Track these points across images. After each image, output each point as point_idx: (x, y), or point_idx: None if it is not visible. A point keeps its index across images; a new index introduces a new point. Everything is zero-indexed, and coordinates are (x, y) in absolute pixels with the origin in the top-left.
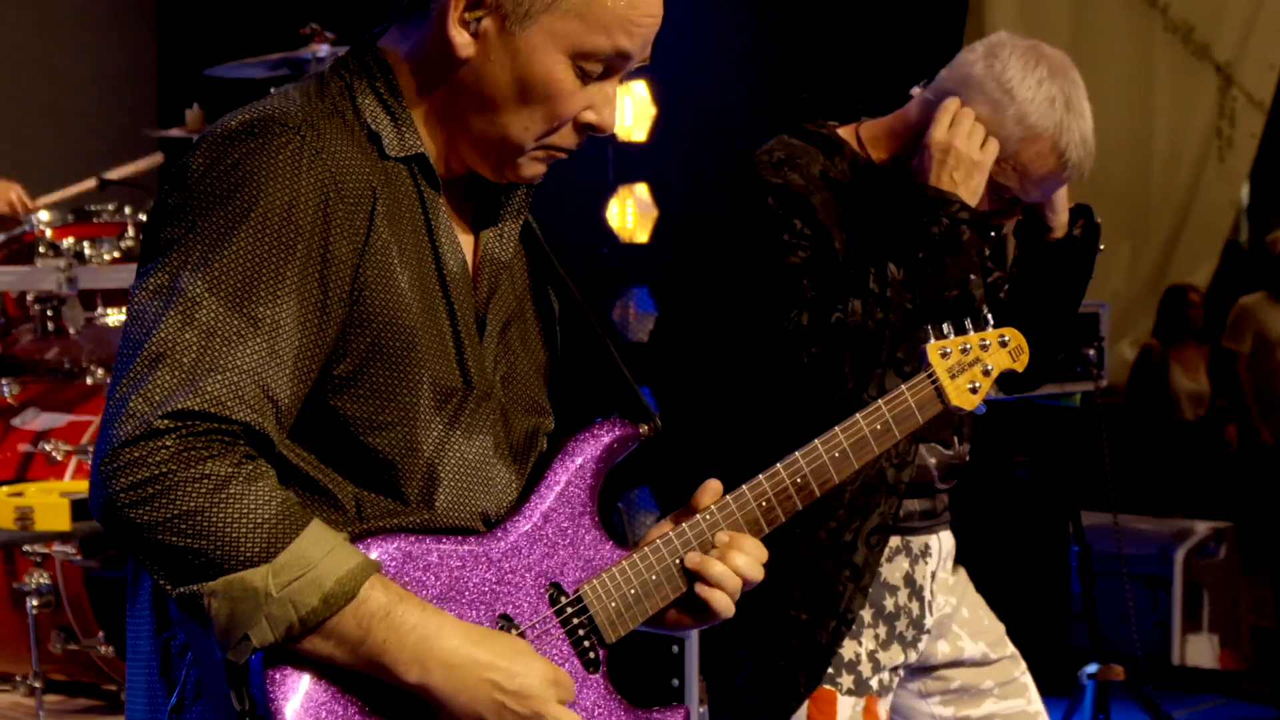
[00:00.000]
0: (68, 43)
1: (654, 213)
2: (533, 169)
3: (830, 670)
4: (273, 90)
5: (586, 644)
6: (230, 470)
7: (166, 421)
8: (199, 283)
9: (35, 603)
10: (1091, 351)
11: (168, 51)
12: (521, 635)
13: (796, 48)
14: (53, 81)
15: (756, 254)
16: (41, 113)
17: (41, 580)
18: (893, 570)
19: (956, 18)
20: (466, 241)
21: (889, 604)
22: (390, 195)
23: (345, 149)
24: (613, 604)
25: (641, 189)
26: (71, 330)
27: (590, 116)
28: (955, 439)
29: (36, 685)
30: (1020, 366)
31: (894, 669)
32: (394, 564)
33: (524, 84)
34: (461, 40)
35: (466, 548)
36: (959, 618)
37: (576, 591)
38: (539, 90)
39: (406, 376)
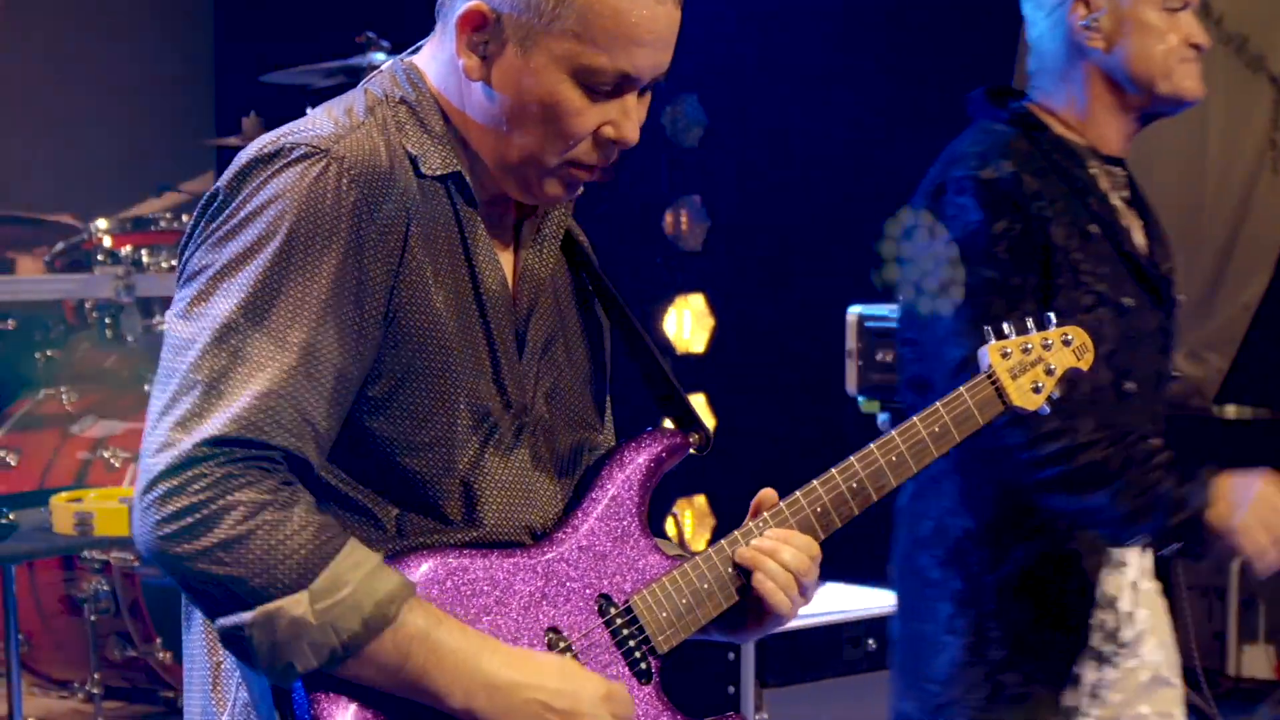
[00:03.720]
0: (123, 51)
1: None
2: (557, 189)
3: None
4: (309, 110)
5: (638, 655)
6: (267, 497)
7: (204, 449)
8: (232, 308)
9: (94, 609)
10: None
11: (225, 59)
12: (569, 647)
13: (849, 54)
14: (108, 89)
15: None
16: (97, 120)
17: (100, 587)
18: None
19: (1010, 30)
20: (506, 258)
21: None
22: (426, 215)
23: (378, 170)
24: (664, 614)
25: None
26: (129, 338)
27: (609, 132)
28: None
29: (95, 691)
30: (1085, 365)
31: (1108, 690)
32: (437, 579)
33: (532, 105)
34: (471, 64)
35: (512, 560)
36: (1152, 628)
37: (626, 602)
38: (547, 111)
39: (443, 397)
